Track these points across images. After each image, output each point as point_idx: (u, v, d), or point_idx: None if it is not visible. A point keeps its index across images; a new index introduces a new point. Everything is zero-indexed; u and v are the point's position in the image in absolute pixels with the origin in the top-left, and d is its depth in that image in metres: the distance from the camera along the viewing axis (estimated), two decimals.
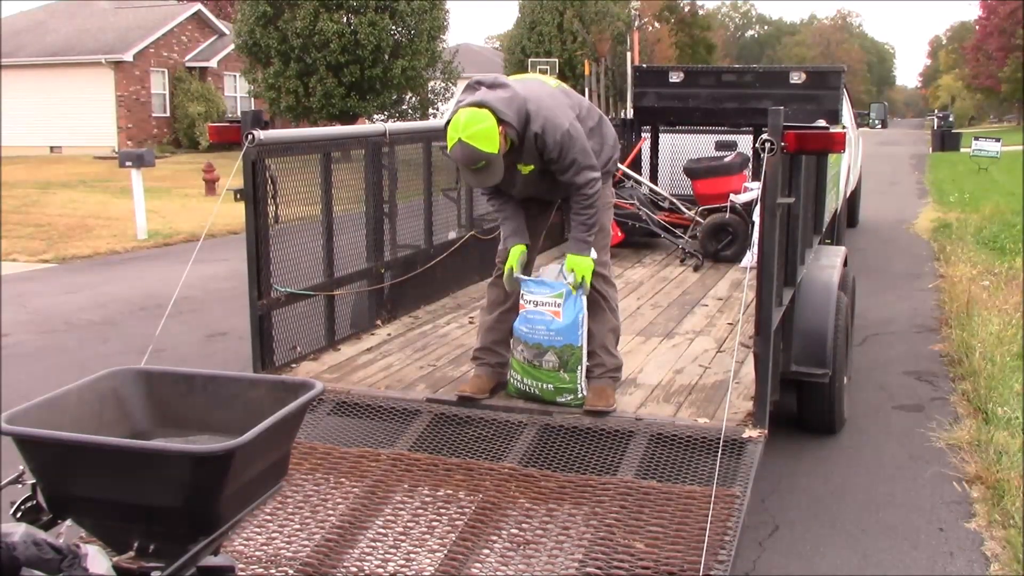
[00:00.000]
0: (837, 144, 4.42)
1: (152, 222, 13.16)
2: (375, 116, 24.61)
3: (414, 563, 3.10)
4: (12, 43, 30.46)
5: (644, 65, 12.05)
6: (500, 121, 3.67)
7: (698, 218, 8.12)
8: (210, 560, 2.25)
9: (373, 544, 3.21)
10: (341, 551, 3.06)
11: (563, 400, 3.95)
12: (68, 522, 2.24)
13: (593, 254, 3.91)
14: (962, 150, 27.87)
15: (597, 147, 3.96)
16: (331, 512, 3.31)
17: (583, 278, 3.89)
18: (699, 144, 9.20)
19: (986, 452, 4.72)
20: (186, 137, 30.36)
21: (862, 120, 14.28)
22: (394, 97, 25.08)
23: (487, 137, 3.60)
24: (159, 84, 30.86)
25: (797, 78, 8.86)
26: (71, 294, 9.15)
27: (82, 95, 29.30)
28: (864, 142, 14.54)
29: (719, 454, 3.50)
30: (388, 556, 3.15)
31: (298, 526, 3.21)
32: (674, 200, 8.60)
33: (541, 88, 3.89)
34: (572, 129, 3.77)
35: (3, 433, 2.09)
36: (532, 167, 3.83)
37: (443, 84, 27.07)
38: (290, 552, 3.17)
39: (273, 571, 2.97)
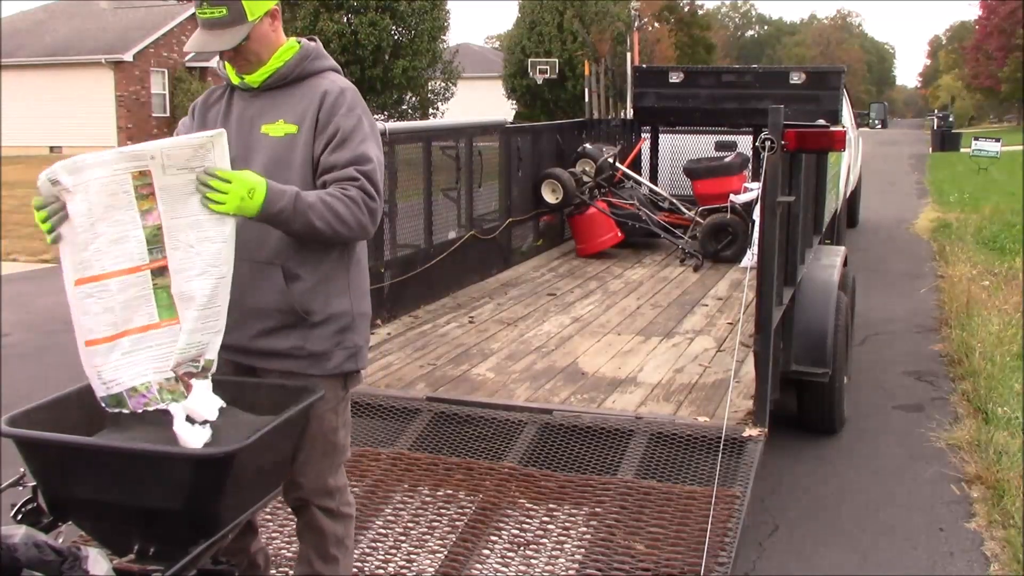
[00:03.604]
0: (837, 142, 4.43)
1: None
2: (375, 116, 24.60)
3: (415, 564, 3.10)
4: (12, 43, 30.44)
5: (644, 65, 12.05)
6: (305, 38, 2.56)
7: (698, 218, 8.13)
8: (210, 564, 2.25)
9: (374, 544, 3.21)
10: None
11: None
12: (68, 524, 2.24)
13: (273, 205, 2.22)
14: (962, 150, 27.85)
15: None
16: None
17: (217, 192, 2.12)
18: (699, 144, 9.20)
19: (986, 452, 4.72)
20: None
21: (862, 120, 14.27)
22: (394, 97, 25.08)
23: None
24: (159, 84, 30.85)
25: (797, 78, 8.87)
26: None
27: (82, 95, 29.30)
28: (864, 142, 14.54)
29: (719, 453, 3.50)
30: (389, 557, 3.15)
31: None
32: (674, 200, 8.60)
33: None
34: (373, 125, 2.51)
35: (4, 435, 2.09)
36: (292, 128, 2.42)
37: (443, 84, 27.08)
38: (290, 553, 3.17)
39: (273, 571, 2.97)
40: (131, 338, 2.09)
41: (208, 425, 2.16)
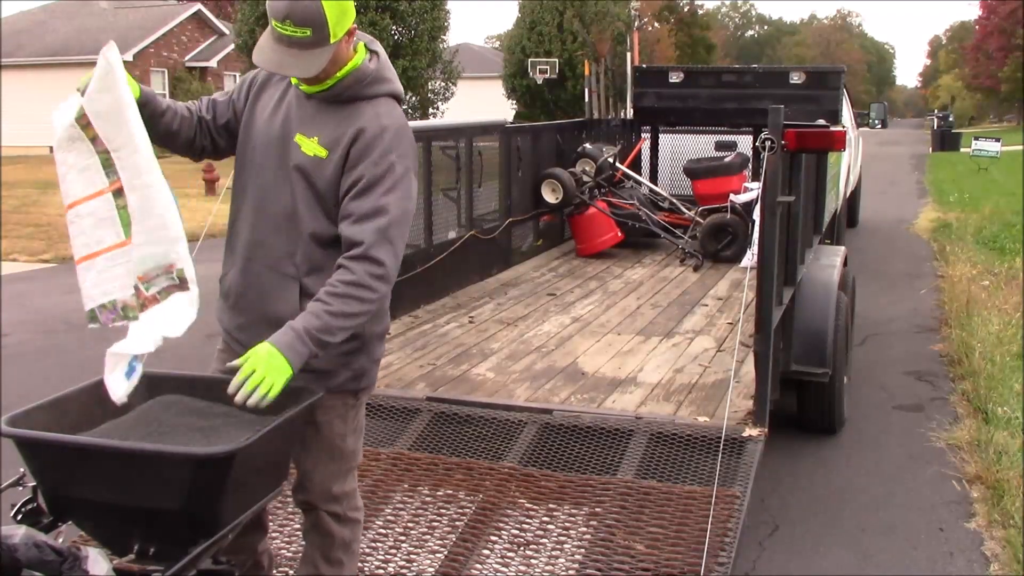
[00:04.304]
0: (837, 142, 4.43)
1: None
2: None
3: (415, 564, 3.10)
4: (12, 43, 30.45)
5: (644, 65, 12.06)
6: (369, 49, 2.48)
7: (698, 218, 8.13)
8: (210, 564, 2.25)
9: (374, 544, 3.21)
10: None
11: None
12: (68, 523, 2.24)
13: (298, 359, 2.21)
14: (962, 150, 27.87)
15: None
16: None
17: (258, 386, 2.16)
18: (699, 144, 9.20)
19: (986, 452, 4.72)
20: None
21: (862, 120, 14.27)
22: None
23: (341, 8, 2.30)
24: (159, 84, 30.85)
25: (797, 78, 8.87)
26: (71, 294, 9.13)
27: None
28: (864, 142, 14.53)
29: (719, 453, 3.50)
30: (389, 557, 3.15)
31: (298, 527, 3.21)
32: (674, 200, 8.60)
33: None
34: (408, 170, 2.38)
35: (4, 435, 2.09)
36: (322, 152, 2.37)
37: (443, 84, 27.07)
38: (290, 553, 3.17)
39: (273, 572, 2.97)
40: (105, 256, 2.25)
41: (137, 371, 2.22)
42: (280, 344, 2.20)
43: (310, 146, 2.38)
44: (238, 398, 2.15)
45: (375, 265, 2.29)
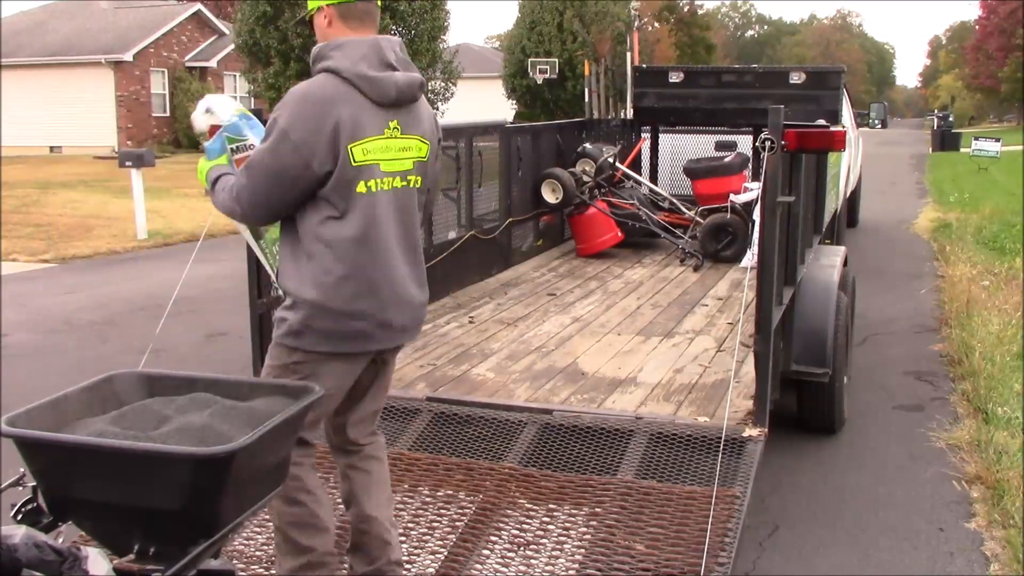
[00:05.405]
0: (837, 142, 4.43)
1: (152, 222, 13.16)
2: None
3: (415, 564, 3.10)
4: (12, 43, 30.44)
5: (644, 65, 12.07)
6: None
7: (698, 218, 8.13)
8: (210, 563, 2.25)
9: None
10: (341, 552, 3.06)
11: None
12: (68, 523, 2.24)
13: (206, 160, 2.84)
14: (962, 150, 27.86)
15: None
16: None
17: None
18: (699, 144, 9.20)
19: (986, 452, 4.72)
20: (186, 137, 30.32)
21: (862, 120, 14.27)
22: None
23: None
24: (159, 84, 30.86)
25: (797, 78, 8.87)
26: (71, 294, 9.15)
27: (82, 95, 29.28)
28: (864, 142, 14.53)
29: (719, 453, 3.50)
30: None
31: None
32: (674, 200, 8.60)
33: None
34: (276, 122, 2.63)
35: (4, 435, 2.09)
36: None
37: (443, 84, 27.08)
38: None
39: (273, 571, 2.97)
40: None
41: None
42: (208, 167, 2.82)
43: None
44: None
45: (240, 188, 2.68)
